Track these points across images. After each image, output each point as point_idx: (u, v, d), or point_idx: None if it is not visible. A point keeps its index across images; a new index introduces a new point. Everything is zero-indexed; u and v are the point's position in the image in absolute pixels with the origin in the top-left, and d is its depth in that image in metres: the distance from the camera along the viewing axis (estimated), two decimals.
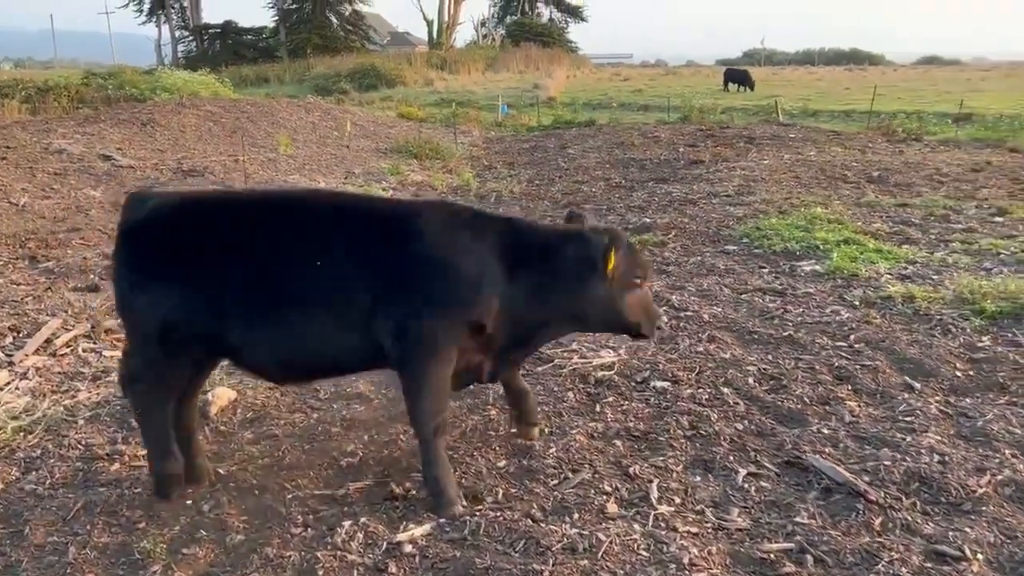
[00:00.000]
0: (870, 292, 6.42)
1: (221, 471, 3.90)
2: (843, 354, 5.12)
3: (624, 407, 4.40)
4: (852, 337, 5.41)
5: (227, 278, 3.38)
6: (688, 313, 6.05)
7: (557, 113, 32.03)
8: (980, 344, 5.23)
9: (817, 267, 7.34)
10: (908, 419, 4.14)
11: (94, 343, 6.02)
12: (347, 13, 69.80)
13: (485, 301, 3.37)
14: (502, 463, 3.80)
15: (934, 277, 6.88)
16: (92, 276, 7.52)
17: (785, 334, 5.53)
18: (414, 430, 3.53)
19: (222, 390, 4.88)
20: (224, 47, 66.07)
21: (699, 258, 8.04)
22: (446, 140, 23.73)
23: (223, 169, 14.38)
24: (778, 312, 6.04)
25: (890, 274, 7.01)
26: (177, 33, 70.95)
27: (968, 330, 5.48)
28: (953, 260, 7.37)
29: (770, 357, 5.14)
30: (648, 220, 9.93)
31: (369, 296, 3.32)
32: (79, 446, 4.27)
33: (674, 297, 6.49)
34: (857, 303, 6.20)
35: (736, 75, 42.69)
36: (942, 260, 7.40)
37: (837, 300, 6.33)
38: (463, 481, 3.63)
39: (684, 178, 13.39)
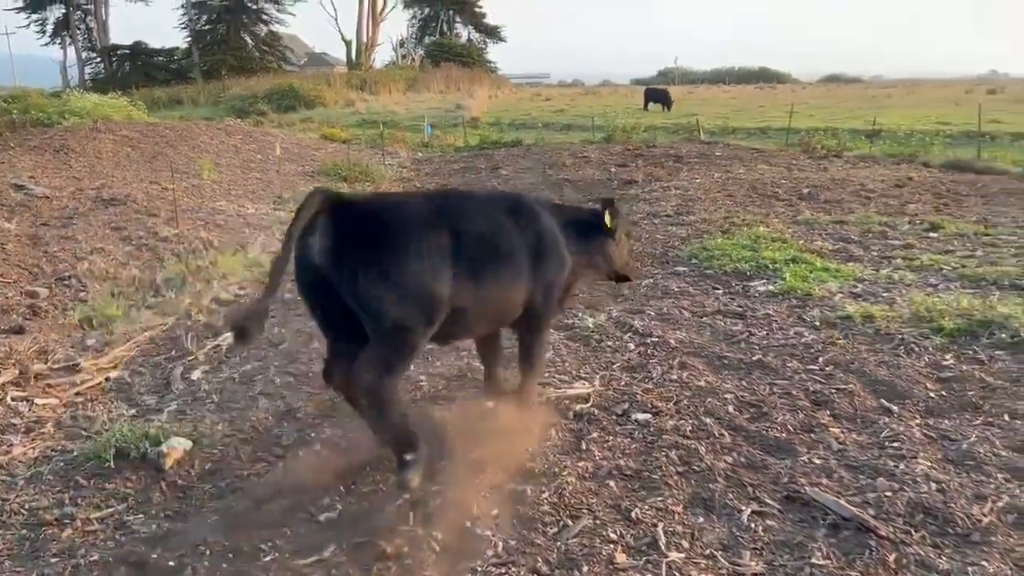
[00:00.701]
0: (827, 312, 6.47)
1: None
2: (816, 378, 5.11)
3: (610, 443, 4.26)
4: (821, 360, 5.41)
5: (455, 260, 3.87)
6: (654, 339, 5.97)
7: (483, 133, 32.02)
8: (945, 363, 5.29)
9: (770, 287, 7.38)
10: (895, 445, 4.12)
11: (24, 390, 5.57)
12: (263, 34, 68.62)
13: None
14: (494, 511, 3.60)
15: (884, 295, 7.00)
16: (15, 316, 7.01)
17: (755, 358, 5.49)
18: (528, 362, 4.60)
19: (177, 440, 4.53)
20: (134, 69, 64.04)
21: (651, 280, 8.01)
22: (374, 161, 23.41)
23: (146, 197, 13.74)
24: (743, 335, 6.02)
25: (842, 293, 7.09)
26: (84, 55, 68.50)
27: (931, 349, 5.55)
28: (899, 277, 7.52)
29: (745, 383, 5.09)
30: None
31: (528, 264, 4.27)
32: (22, 511, 3.88)
33: (636, 322, 6.40)
34: (818, 324, 6.23)
35: (656, 94, 43.50)
36: (888, 277, 7.54)
37: (797, 321, 6.35)
38: (449, 537, 3.43)
39: (621, 198, 13.44)
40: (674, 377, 5.21)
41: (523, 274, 4.25)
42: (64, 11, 67.23)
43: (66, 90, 39.48)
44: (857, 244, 9.03)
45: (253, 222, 13.33)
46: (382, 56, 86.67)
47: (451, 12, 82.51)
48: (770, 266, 8.00)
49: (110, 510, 3.90)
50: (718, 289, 7.55)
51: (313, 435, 4.65)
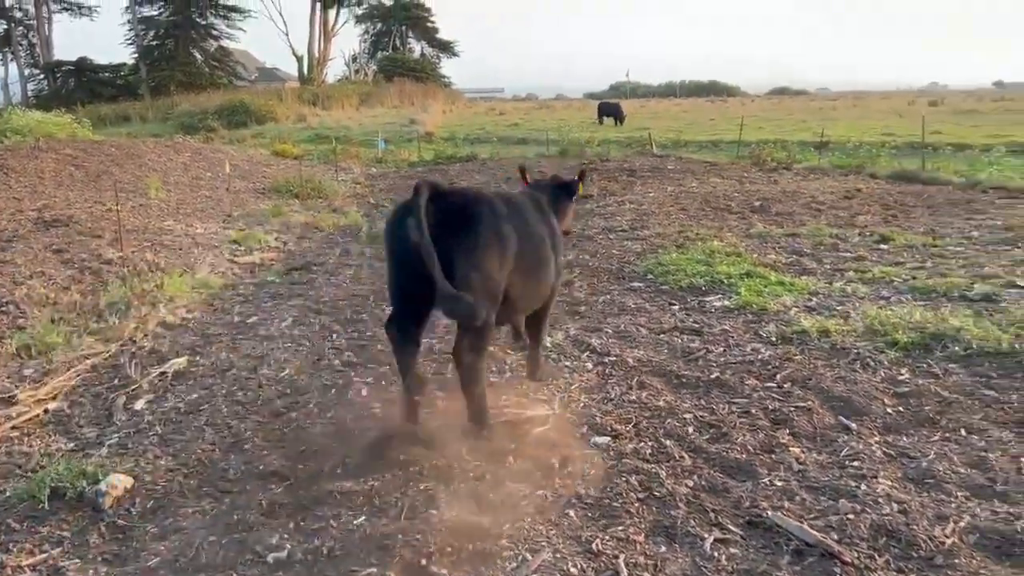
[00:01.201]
0: (783, 327, 6.47)
1: None
2: (774, 395, 5.08)
3: (569, 469, 4.16)
4: (779, 376, 5.39)
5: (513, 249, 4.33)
6: (612, 358, 5.90)
7: (438, 148, 31.86)
8: (901, 377, 5.30)
9: (726, 302, 7.37)
10: (855, 464, 4.09)
11: None
12: (212, 49, 67.68)
13: None
14: (449, 547, 3.47)
15: (838, 308, 7.03)
16: None
17: (712, 376, 5.45)
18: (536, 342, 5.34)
19: (116, 477, 4.31)
20: (79, 85, 62.60)
21: (608, 296, 7.96)
22: (327, 178, 23.12)
23: (90, 217, 13.33)
24: (700, 352, 5.98)
25: (797, 307, 7.11)
26: (27, 71, 66.85)
27: (886, 363, 5.57)
28: (852, 290, 7.57)
29: (704, 403, 5.04)
30: None
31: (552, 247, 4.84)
32: None
33: (594, 340, 6.33)
34: (774, 339, 6.23)
35: (609, 108, 43.79)
36: (842, 290, 7.59)
37: (754, 337, 6.34)
38: None
39: (576, 212, 13.42)
40: (633, 398, 5.15)
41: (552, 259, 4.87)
42: (5, 27, 65.60)
43: (8, 108, 38.39)
44: (810, 257, 9.10)
45: (202, 242, 13.02)
46: (335, 71, 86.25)
47: (404, 27, 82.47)
48: (725, 281, 8.01)
49: (44, 555, 3.69)
50: (674, 305, 7.52)
51: (261, 467, 4.47)
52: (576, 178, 5.64)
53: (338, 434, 4.78)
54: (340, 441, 4.65)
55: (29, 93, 65.22)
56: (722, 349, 6.05)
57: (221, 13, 66.70)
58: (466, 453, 4.28)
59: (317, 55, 70.48)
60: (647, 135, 29.45)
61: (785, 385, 5.25)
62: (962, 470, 3.97)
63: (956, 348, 5.64)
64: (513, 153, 29.74)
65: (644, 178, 18.12)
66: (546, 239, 4.76)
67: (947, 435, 4.42)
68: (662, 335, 6.53)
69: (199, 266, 11.66)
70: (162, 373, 6.21)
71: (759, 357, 5.80)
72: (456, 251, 4.06)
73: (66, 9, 67.55)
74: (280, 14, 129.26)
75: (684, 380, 5.44)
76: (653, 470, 4.09)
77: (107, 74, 65.45)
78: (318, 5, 69.02)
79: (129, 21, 64.47)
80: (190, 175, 20.76)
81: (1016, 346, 5.55)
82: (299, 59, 70.17)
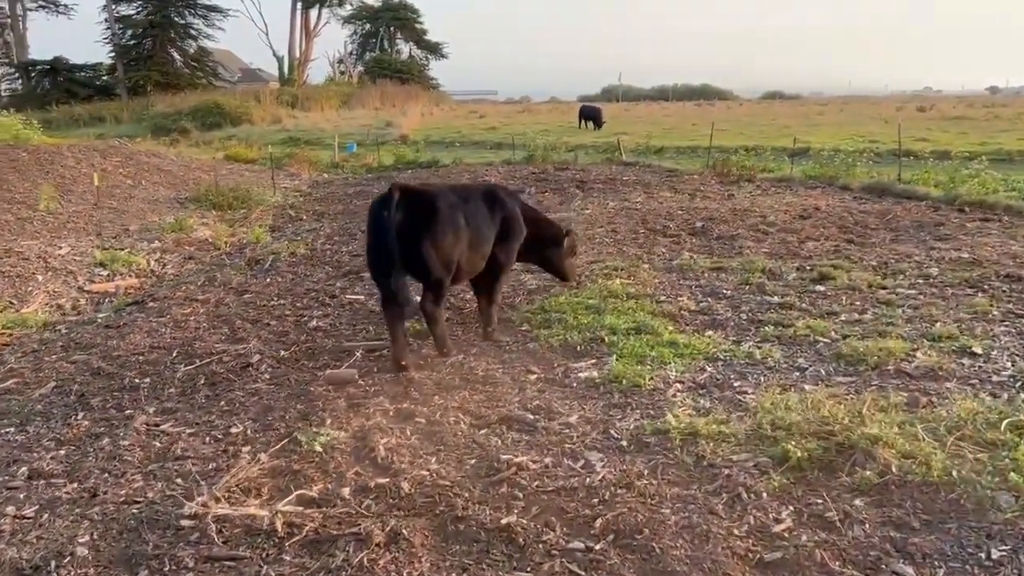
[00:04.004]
0: (644, 421, 4.72)
1: None
2: (574, 566, 3.33)
3: None
4: (599, 523, 3.63)
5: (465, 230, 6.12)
6: (383, 480, 4.13)
7: (400, 153, 30.15)
8: (778, 528, 3.54)
9: (594, 373, 5.63)
10: None
11: None
12: (192, 50, 65.97)
13: None
14: None
15: (735, 385, 5.30)
16: None
17: (505, 521, 3.67)
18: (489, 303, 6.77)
19: None
20: (55, 85, 60.89)
21: (459, 357, 6.23)
22: (265, 186, 21.47)
23: None
24: (513, 469, 4.21)
25: (681, 383, 5.37)
26: (1, 70, 65.24)
27: (765, 495, 3.82)
28: (762, 355, 5.82)
29: (472, 574, 3.30)
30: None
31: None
32: None
33: (381, 443, 4.57)
34: (625, 443, 4.47)
35: (588, 112, 42.02)
36: (748, 356, 5.83)
37: (600, 439, 4.58)
38: None
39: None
40: (380, 565, 3.39)
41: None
42: None
43: None
44: (727, 302, 7.35)
45: (56, 265, 11.30)
46: (320, 72, 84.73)
47: (392, 29, 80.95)
48: (607, 339, 6.27)
49: None
50: (532, 374, 5.78)
51: None
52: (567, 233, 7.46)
53: None
54: None
55: (3, 93, 63.66)
56: (548, 462, 4.29)
57: (200, 13, 64.97)
58: None
59: (298, 56, 68.83)
60: (615, 141, 27.70)
61: (602, 542, 3.49)
62: None
63: (868, 472, 3.89)
64: (487, 157, 27.96)
65: (591, 190, 16.39)
66: (491, 224, 6.44)
67: None
68: (484, 431, 4.77)
69: (32, 297, 9.94)
70: None
71: (587, 482, 4.03)
72: (421, 233, 5.76)
73: (42, 7, 65.95)
74: (260, 14, 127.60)
75: (463, 528, 3.68)
76: None
77: (83, 74, 63.81)
78: (299, 5, 67.37)
79: (106, 20, 62.68)
80: (105, 183, 19.02)
81: (953, 472, 3.80)
82: (279, 60, 68.58)
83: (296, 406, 5.41)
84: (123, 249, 12.90)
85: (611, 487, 3.95)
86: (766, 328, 6.45)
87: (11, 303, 9.58)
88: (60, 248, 12.21)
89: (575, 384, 5.53)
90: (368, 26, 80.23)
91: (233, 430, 5.04)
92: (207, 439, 4.93)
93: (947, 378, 5.15)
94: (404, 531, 3.59)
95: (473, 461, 4.38)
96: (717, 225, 11.42)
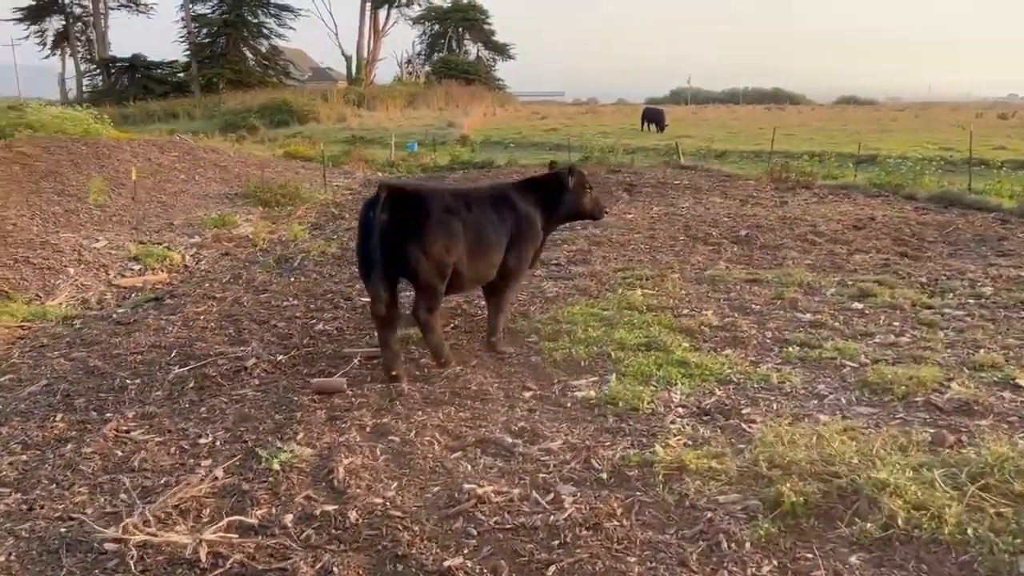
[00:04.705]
0: (632, 452, 4.28)
1: None
2: None
3: None
4: (552, 571, 3.22)
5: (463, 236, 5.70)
6: (331, 508, 3.79)
7: (456, 153, 30.06)
8: None
9: (592, 392, 5.20)
10: None
11: None
12: (264, 48, 67.27)
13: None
14: None
15: (743, 412, 4.80)
16: None
17: (449, 564, 3.29)
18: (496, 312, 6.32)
19: None
20: (133, 81, 62.80)
21: (459, 369, 5.86)
22: (317, 183, 21.56)
23: None
24: (472, 502, 3.81)
25: (684, 408, 4.90)
26: (83, 67, 67.56)
27: (748, 546, 3.35)
28: (779, 379, 5.30)
29: None
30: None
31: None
32: None
33: (342, 464, 4.22)
34: (604, 475, 4.04)
35: (651, 114, 41.26)
36: (764, 379, 5.32)
37: (581, 468, 4.15)
38: None
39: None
40: None
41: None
42: (64, 23, 66.40)
43: (22, 103, 38.08)
44: (754, 317, 6.81)
45: (90, 259, 11.35)
46: (389, 72, 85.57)
47: (460, 29, 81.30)
48: (613, 355, 5.83)
49: None
50: (528, 391, 5.38)
51: None
52: (566, 171, 6.51)
53: None
54: None
55: (85, 88, 65.90)
56: (515, 495, 3.88)
57: (272, 12, 66.18)
58: None
59: (366, 55, 69.48)
60: (674, 144, 27.02)
61: None
62: None
63: (870, 525, 3.38)
64: (538, 159, 27.60)
65: (638, 195, 15.85)
66: (497, 227, 5.98)
67: None
68: (457, 455, 4.40)
69: (59, 290, 9.97)
70: None
71: (551, 520, 3.61)
72: (408, 236, 5.42)
73: (123, 6, 68.15)
74: (330, 13, 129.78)
75: (403, 567, 3.29)
76: None
77: (160, 71, 65.49)
78: (367, 5, 68.01)
79: (183, 18, 64.36)
80: (158, 178, 19.34)
81: (968, 530, 3.27)
82: (348, 59, 69.37)
83: (275, 416, 5.13)
84: (161, 244, 12.95)
85: (576, 527, 3.53)
86: (790, 349, 5.92)
87: (38, 295, 9.62)
88: (97, 241, 12.29)
89: (570, 404, 5.11)
90: (437, 27, 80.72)
91: (202, 440, 4.78)
92: (172, 450, 4.68)
93: (982, 414, 4.56)
94: (335, 568, 3.25)
95: (436, 488, 4.01)
96: (763, 234, 10.81)
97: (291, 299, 8.57)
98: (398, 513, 3.72)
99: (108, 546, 3.46)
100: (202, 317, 7.92)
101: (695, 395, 5.10)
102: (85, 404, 5.65)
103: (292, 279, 9.78)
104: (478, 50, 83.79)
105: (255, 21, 66.04)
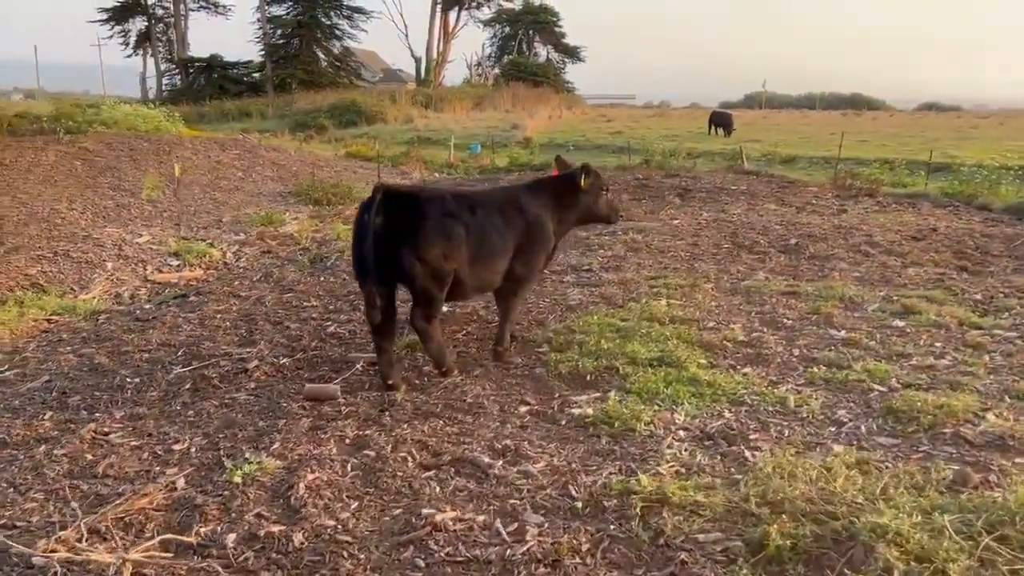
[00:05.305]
0: (616, 479, 3.91)
1: None
2: None
3: None
4: None
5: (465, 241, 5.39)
6: (279, 528, 3.54)
7: (515, 155, 29.80)
8: None
9: (589, 409, 4.84)
10: None
11: None
12: (336, 49, 68.37)
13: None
14: None
15: (750, 438, 4.38)
16: None
17: None
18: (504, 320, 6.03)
19: None
20: (209, 81, 64.58)
21: (460, 379, 5.58)
22: (372, 184, 21.54)
23: (19, 219, 12.05)
24: (427, 529, 3.51)
25: (685, 431, 4.50)
26: (163, 66, 69.73)
27: None
28: (797, 402, 4.85)
29: None
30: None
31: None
32: None
33: (304, 484, 3.98)
34: (580, 504, 3.69)
35: (719, 118, 40.30)
36: (780, 401, 4.88)
37: (556, 495, 3.81)
38: None
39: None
40: None
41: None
42: (146, 23, 68.62)
43: (100, 100, 39.29)
44: (784, 333, 6.33)
45: (130, 253, 11.45)
46: (459, 74, 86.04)
47: (531, 32, 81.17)
48: (621, 369, 5.45)
49: None
50: (525, 405, 5.06)
51: None
52: (580, 171, 6.06)
53: None
54: None
55: (164, 88, 68.00)
56: (477, 522, 3.57)
57: (345, 13, 67.25)
58: None
59: (435, 57, 69.94)
60: (745, 149, 26.22)
61: None
62: None
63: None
64: (598, 162, 27.15)
65: (692, 200, 15.31)
66: (503, 232, 5.65)
67: None
68: (429, 474, 4.10)
69: (93, 284, 10.04)
70: None
71: (507, 553, 3.28)
72: (403, 239, 5.15)
73: (203, 7, 70.03)
74: (401, 15, 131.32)
75: None
76: None
77: (235, 71, 67.11)
78: (438, 7, 68.48)
79: (259, 19, 65.84)
80: (214, 175, 19.61)
81: None
82: (417, 61, 69.94)
83: (258, 423, 4.93)
84: (205, 240, 13.02)
85: (533, 563, 3.20)
86: (815, 369, 5.44)
87: (72, 289, 9.71)
88: (140, 236, 12.42)
89: (565, 421, 4.77)
90: (507, 29, 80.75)
91: (176, 447, 4.60)
92: (145, 455, 4.51)
93: (1018, 451, 4.05)
94: None
95: (397, 511, 3.72)
96: (814, 243, 10.22)
97: (313, 300, 8.42)
98: (347, 538, 3.44)
99: (36, 560, 3.27)
100: (219, 316, 7.81)
101: (701, 417, 4.70)
102: (78, 402, 5.55)
103: (321, 279, 9.65)
104: (548, 53, 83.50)
105: (328, 23, 67.18)
